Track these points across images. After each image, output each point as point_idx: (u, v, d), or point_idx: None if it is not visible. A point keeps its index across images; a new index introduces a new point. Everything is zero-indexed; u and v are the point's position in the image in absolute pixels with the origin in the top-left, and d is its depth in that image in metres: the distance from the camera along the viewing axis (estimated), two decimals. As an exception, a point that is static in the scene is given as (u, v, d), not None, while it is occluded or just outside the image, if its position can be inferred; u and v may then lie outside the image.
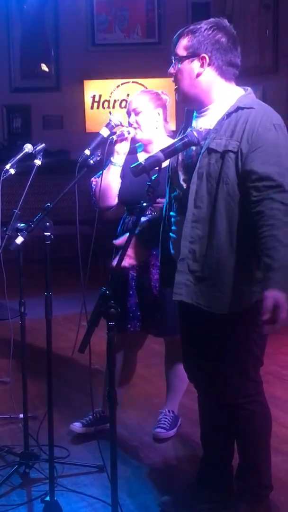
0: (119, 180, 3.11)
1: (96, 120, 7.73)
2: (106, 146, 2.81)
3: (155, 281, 3.07)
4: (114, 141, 2.99)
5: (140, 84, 7.78)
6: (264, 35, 6.81)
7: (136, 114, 3.09)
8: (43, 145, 2.95)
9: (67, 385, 3.47)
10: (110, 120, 2.89)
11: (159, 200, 2.63)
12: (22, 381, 3.01)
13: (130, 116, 3.10)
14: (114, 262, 2.77)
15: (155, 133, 3.11)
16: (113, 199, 3.13)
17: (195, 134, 2.30)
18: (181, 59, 2.34)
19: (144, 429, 3.42)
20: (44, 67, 8.08)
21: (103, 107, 7.95)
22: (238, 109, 2.29)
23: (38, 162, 2.90)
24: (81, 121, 7.93)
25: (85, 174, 2.62)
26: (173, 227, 2.49)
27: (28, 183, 2.82)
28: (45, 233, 2.55)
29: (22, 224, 2.62)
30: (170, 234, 2.51)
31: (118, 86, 7.93)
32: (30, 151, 2.96)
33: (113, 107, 7.95)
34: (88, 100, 7.97)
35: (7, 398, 3.50)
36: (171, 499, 2.72)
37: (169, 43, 2.43)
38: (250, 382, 2.48)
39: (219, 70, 2.35)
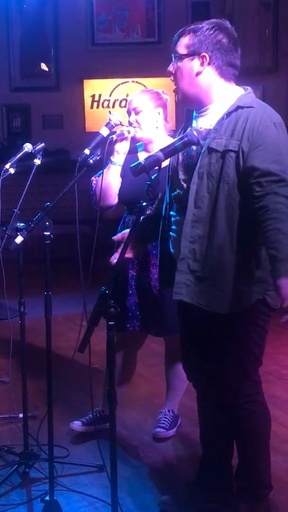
0: (119, 180, 3.11)
1: (96, 120, 7.73)
2: (106, 145, 2.81)
3: (154, 281, 3.07)
4: (114, 140, 2.99)
5: (140, 83, 7.78)
6: (264, 35, 6.81)
7: (136, 113, 3.09)
8: (43, 144, 2.95)
9: (67, 384, 3.47)
10: (109, 119, 2.89)
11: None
12: (21, 380, 3.01)
13: (130, 115, 3.10)
14: (113, 259, 2.77)
15: (155, 132, 3.11)
16: (113, 199, 3.13)
17: (195, 133, 2.30)
18: (181, 57, 2.34)
19: (144, 428, 3.42)
20: (43, 66, 8.08)
21: (103, 107, 7.96)
22: (238, 108, 2.29)
23: (37, 161, 2.91)
24: (80, 120, 7.93)
25: (85, 174, 2.62)
26: (173, 227, 2.49)
27: (28, 183, 2.82)
28: (45, 233, 2.55)
29: (22, 224, 2.62)
30: (170, 233, 2.51)
31: (117, 86, 7.93)
32: (30, 151, 2.96)
33: (113, 106, 7.95)
34: (87, 100, 7.97)
35: (6, 397, 3.50)
36: (170, 498, 2.72)
37: (169, 43, 2.43)
38: (249, 382, 2.48)
39: (219, 70, 2.34)
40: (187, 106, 2.46)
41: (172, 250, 2.50)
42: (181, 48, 2.35)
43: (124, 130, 3.05)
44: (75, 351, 2.22)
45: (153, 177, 2.22)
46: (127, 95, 7.78)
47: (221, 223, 2.29)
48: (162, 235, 2.60)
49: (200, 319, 2.40)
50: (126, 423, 3.44)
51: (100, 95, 7.96)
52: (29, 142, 3.02)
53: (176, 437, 3.33)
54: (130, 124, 3.09)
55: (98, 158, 2.64)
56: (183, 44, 2.34)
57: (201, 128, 2.36)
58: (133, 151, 3.15)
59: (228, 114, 2.30)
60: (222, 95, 2.36)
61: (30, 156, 2.95)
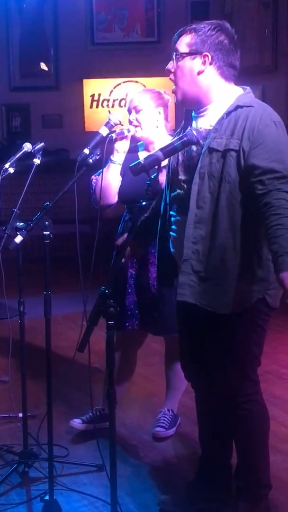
0: (119, 178, 3.11)
1: (96, 119, 7.72)
2: (106, 144, 2.81)
3: (153, 280, 3.07)
4: (114, 139, 2.99)
5: (139, 83, 7.78)
6: (264, 34, 6.81)
7: (137, 112, 3.09)
8: (42, 144, 2.95)
9: (67, 384, 3.47)
10: (109, 119, 2.89)
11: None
12: (21, 380, 3.02)
13: (131, 114, 3.10)
14: (120, 241, 2.75)
15: (156, 131, 3.11)
16: (113, 197, 3.13)
17: (194, 133, 2.30)
18: (182, 56, 2.34)
19: (143, 428, 3.42)
20: (43, 66, 8.07)
21: (103, 106, 7.94)
22: (237, 107, 2.29)
23: (37, 161, 2.91)
24: (80, 120, 7.92)
25: (85, 173, 2.62)
26: (173, 226, 2.49)
27: (27, 182, 2.82)
28: (44, 232, 2.55)
29: (21, 223, 2.62)
30: (170, 233, 2.50)
31: (117, 85, 7.92)
32: (29, 150, 2.96)
33: (113, 106, 7.94)
34: (87, 99, 7.96)
35: (6, 397, 3.49)
36: (170, 498, 2.72)
37: (169, 42, 2.43)
38: (248, 381, 2.48)
39: (220, 70, 2.35)
40: (186, 106, 2.46)
41: (172, 250, 2.50)
42: (183, 47, 2.34)
43: (124, 128, 3.05)
44: (75, 351, 2.22)
45: (152, 176, 2.23)
46: (127, 95, 7.76)
47: (223, 222, 2.29)
48: (160, 235, 2.60)
49: (200, 319, 2.40)
50: (126, 423, 3.44)
51: (99, 95, 7.95)
52: (29, 141, 3.02)
53: (176, 436, 3.33)
54: (130, 122, 3.09)
55: (97, 157, 2.64)
56: (184, 42, 2.34)
57: (200, 128, 2.36)
58: (133, 151, 3.15)
59: (228, 113, 2.30)
60: (221, 95, 2.36)
61: (30, 155, 2.95)
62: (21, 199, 2.81)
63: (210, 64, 2.33)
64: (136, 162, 2.28)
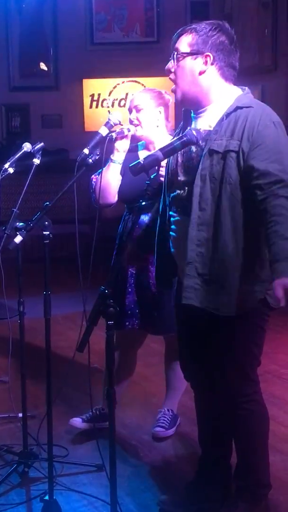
0: (119, 178, 3.11)
1: (95, 119, 7.73)
2: (106, 144, 2.81)
3: (153, 279, 3.07)
4: (114, 138, 2.99)
5: (139, 83, 7.78)
6: (263, 34, 6.81)
7: (138, 111, 3.09)
8: (42, 144, 2.95)
9: (66, 384, 3.47)
10: (109, 119, 2.89)
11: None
12: (21, 380, 3.02)
13: (131, 113, 3.10)
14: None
15: (156, 131, 3.11)
16: (113, 197, 3.13)
17: (194, 133, 2.30)
18: (184, 56, 2.33)
19: (143, 428, 3.42)
20: (43, 66, 8.07)
21: (102, 106, 7.95)
22: (237, 108, 2.29)
23: (37, 161, 2.91)
24: (80, 120, 7.92)
25: (84, 173, 2.62)
26: (172, 226, 2.49)
27: (27, 182, 2.82)
28: (44, 232, 2.55)
29: (21, 223, 2.61)
30: (170, 233, 2.50)
31: (117, 85, 7.93)
32: (29, 150, 2.96)
33: (112, 106, 7.95)
34: (87, 99, 7.96)
35: (6, 397, 3.49)
36: (170, 498, 2.72)
37: (168, 42, 2.43)
38: (248, 381, 2.48)
39: (221, 70, 2.35)
40: (185, 106, 2.46)
41: (172, 250, 2.50)
42: (184, 47, 2.34)
43: (124, 128, 3.05)
44: (74, 351, 2.22)
45: (152, 176, 2.23)
46: (126, 95, 7.78)
47: (225, 224, 2.29)
48: (159, 235, 2.60)
49: (200, 320, 2.40)
50: (126, 423, 3.44)
51: (99, 95, 7.96)
52: (28, 141, 3.02)
53: (176, 436, 3.33)
54: (131, 122, 3.09)
55: (97, 157, 2.64)
56: (185, 42, 2.34)
57: (200, 129, 2.36)
58: (133, 150, 3.15)
59: (228, 115, 2.29)
60: (221, 96, 2.36)
61: (29, 155, 2.95)
62: (20, 199, 2.81)
63: (212, 64, 2.33)
64: (136, 162, 2.28)
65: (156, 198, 2.60)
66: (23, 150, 2.98)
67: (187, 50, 2.33)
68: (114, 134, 2.97)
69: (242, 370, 2.45)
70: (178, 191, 2.43)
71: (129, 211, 3.19)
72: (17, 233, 2.57)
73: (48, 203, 2.58)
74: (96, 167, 2.83)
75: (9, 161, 2.98)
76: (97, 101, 7.97)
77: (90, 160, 2.62)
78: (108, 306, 2.11)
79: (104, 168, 3.01)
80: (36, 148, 2.94)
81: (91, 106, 7.97)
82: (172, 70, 2.38)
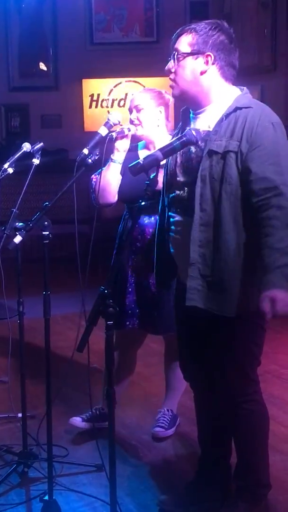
0: (119, 177, 3.11)
1: (95, 119, 7.72)
2: (106, 143, 2.81)
3: (153, 279, 3.07)
4: (114, 138, 2.99)
5: (138, 83, 7.78)
6: (263, 34, 6.80)
7: (138, 111, 3.09)
8: (42, 144, 2.95)
9: (66, 384, 3.47)
10: (108, 119, 2.89)
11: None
12: (20, 380, 3.01)
13: (132, 113, 3.10)
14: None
15: (157, 130, 3.11)
16: (113, 196, 3.13)
17: (194, 133, 2.30)
18: (184, 56, 2.33)
19: (143, 428, 3.42)
20: (42, 66, 8.07)
21: (102, 106, 7.94)
22: (236, 109, 2.29)
23: (36, 161, 2.91)
24: (79, 120, 7.92)
25: (84, 173, 2.62)
26: (172, 227, 2.49)
27: (27, 182, 2.82)
28: (44, 232, 2.55)
29: (21, 223, 2.62)
30: (170, 233, 2.50)
31: (116, 85, 7.92)
32: (29, 150, 2.96)
33: (112, 106, 7.94)
34: (86, 99, 7.95)
35: (5, 397, 3.50)
36: (169, 498, 2.72)
37: (168, 42, 2.42)
38: (248, 381, 2.48)
39: (222, 70, 2.35)
40: (184, 102, 2.45)
41: (172, 250, 2.50)
42: (184, 47, 2.34)
43: (125, 127, 3.05)
44: (73, 351, 2.22)
45: (151, 176, 2.23)
46: (126, 95, 7.77)
47: (226, 224, 2.29)
48: (159, 235, 2.60)
49: (200, 320, 2.40)
50: (125, 423, 3.44)
51: (98, 95, 7.95)
52: (28, 141, 3.01)
53: (175, 436, 3.33)
54: (131, 122, 3.09)
55: (96, 157, 2.64)
56: (185, 42, 2.34)
57: (199, 129, 2.36)
58: (133, 149, 3.15)
59: (227, 115, 2.30)
60: (220, 96, 2.36)
61: (29, 155, 2.95)
62: (20, 199, 2.81)
63: (213, 64, 2.33)
64: (135, 162, 2.28)
65: (156, 198, 2.60)
66: (22, 150, 2.98)
67: (188, 50, 2.33)
68: (114, 134, 2.97)
69: (242, 370, 2.45)
70: (178, 192, 2.43)
71: (129, 211, 3.19)
72: (17, 233, 2.57)
73: (47, 203, 2.58)
74: (96, 167, 2.83)
75: (8, 161, 2.98)
76: (97, 101, 7.96)
77: (90, 160, 2.62)
78: (107, 306, 2.11)
79: (104, 168, 3.01)
80: (35, 148, 2.94)
81: (90, 106, 7.97)
82: (173, 70, 2.37)
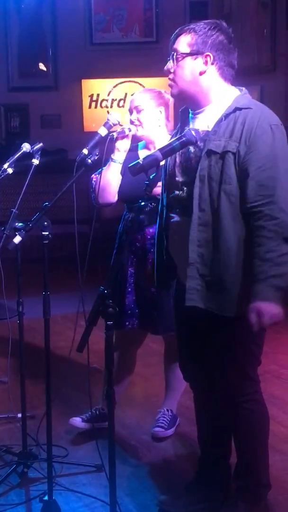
0: (119, 177, 3.11)
1: (94, 119, 7.72)
2: (106, 143, 2.81)
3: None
4: (115, 138, 3.00)
5: (138, 83, 7.78)
6: (262, 34, 6.80)
7: (138, 111, 3.09)
8: (41, 144, 2.95)
9: (66, 384, 3.47)
10: (108, 119, 2.89)
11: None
12: (20, 380, 3.01)
13: (132, 114, 3.11)
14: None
15: (157, 131, 3.11)
16: (113, 196, 3.13)
17: (193, 133, 2.30)
18: (183, 56, 2.33)
19: (142, 428, 3.42)
20: (42, 66, 8.07)
21: (101, 106, 7.94)
22: (236, 109, 2.29)
23: (36, 161, 2.91)
24: (79, 120, 7.92)
25: (83, 173, 2.62)
26: (171, 227, 2.48)
27: (26, 183, 2.82)
28: (43, 233, 2.55)
29: (20, 224, 2.61)
30: (169, 233, 2.50)
31: (116, 86, 7.92)
32: (28, 151, 2.96)
33: (111, 106, 7.94)
34: (86, 99, 7.96)
35: (5, 397, 3.50)
36: (169, 498, 2.72)
37: (167, 42, 2.42)
38: (248, 381, 2.48)
39: (221, 70, 2.35)
40: (183, 101, 2.45)
41: (171, 250, 2.50)
42: (183, 47, 2.34)
43: (125, 127, 3.05)
44: (71, 350, 2.22)
45: (151, 176, 2.23)
46: (125, 95, 7.78)
47: (225, 224, 2.29)
48: (159, 236, 2.60)
49: (200, 320, 2.40)
50: (125, 423, 3.44)
51: (98, 95, 7.95)
52: (27, 141, 3.01)
53: (175, 436, 3.33)
54: (132, 122, 3.09)
55: (96, 157, 2.64)
56: (184, 42, 2.33)
57: (198, 129, 2.36)
58: (133, 149, 3.15)
59: (226, 116, 2.30)
60: (219, 96, 2.36)
61: (28, 155, 2.95)
62: (20, 199, 2.81)
63: (212, 64, 2.33)
64: (135, 162, 2.28)
65: (156, 198, 2.60)
66: (22, 150, 2.97)
67: (187, 50, 2.33)
68: (115, 134, 2.97)
69: (242, 370, 2.45)
70: (177, 192, 2.43)
71: (129, 210, 3.19)
72: (16, 233, 2.57)
73: (47, 203, 2.58)
74: (96, 167, 2.83)
75: (8, 162, 2.98)
76: (96, 101, 7.96)
77: (89, 161, 2.61)
78: (107, 306, 2.11)
79: (104, 168, 3.01)
80: (35, 148, 2.94)
81: (90, 106, 7.97)
82: (172, 70, 2.37)
